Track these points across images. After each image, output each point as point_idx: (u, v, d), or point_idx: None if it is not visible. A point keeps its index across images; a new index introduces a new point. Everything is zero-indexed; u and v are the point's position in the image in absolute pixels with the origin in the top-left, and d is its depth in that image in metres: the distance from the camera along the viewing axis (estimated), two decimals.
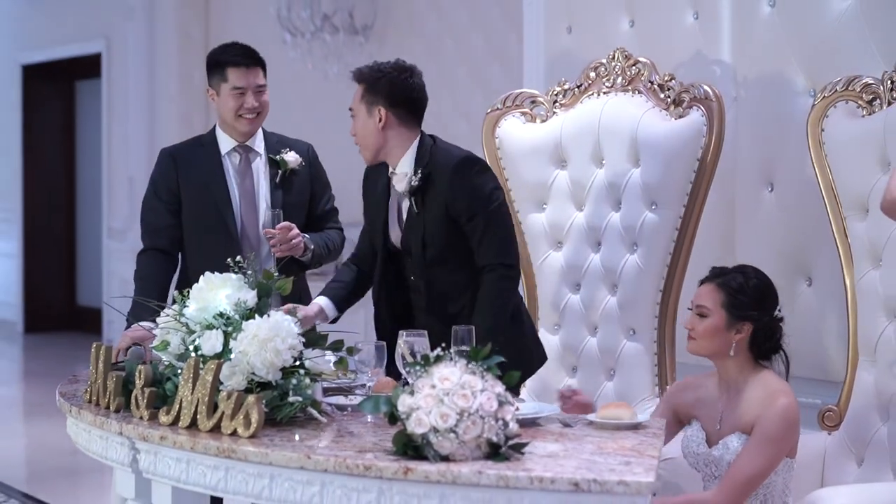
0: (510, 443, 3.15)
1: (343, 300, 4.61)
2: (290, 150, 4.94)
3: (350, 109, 4.44)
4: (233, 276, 3.74)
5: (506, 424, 3.14)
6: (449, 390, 3.12)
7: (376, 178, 4.56)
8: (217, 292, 3.68)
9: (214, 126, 4.96)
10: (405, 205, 4.44)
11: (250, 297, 3.67)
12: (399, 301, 4.53)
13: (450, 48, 9.02)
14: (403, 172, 4.39)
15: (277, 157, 4.90)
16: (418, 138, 4.42)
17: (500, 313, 4.27)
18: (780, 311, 3.99)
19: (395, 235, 4.49)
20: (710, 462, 3.96)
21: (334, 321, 4.58)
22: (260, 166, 4.90)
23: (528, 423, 3.57)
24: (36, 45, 14.14)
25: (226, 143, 4.89)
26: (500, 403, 3.15)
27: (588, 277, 4.92)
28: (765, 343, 3.97)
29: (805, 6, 4.88)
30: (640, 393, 4.73)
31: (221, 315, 3.63)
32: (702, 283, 4.03)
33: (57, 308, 14.67)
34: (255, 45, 4.95)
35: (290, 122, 11.05)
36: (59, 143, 14.71)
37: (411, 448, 3.13)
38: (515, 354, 3.67)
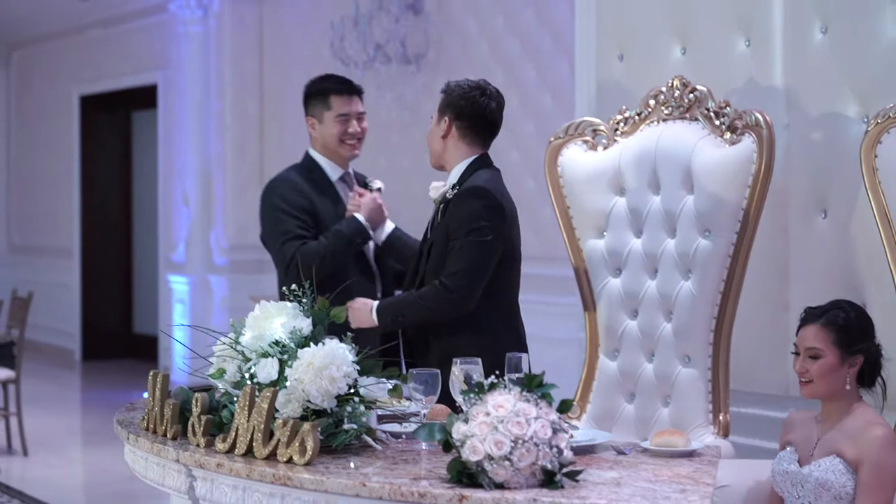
0: (565, 470, 3.14)
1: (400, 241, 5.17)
2: (373, 179, 5.28)
3: (432, 116, 4.73)
4: (288, 304, 3.75)
5: (560, 452, 3.13)
6: (503, 418, 3.11)
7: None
8: (272, 320, 3.69)
9: (308, 155, 5.18)
10: (435, 214, 4.68)
11: (305, 325, 3.68)
12: None
13: (501, 77, 9.02)
14: (441, 183, 4.65)
15: (369, 184, 5.21)
16: (474, 158, 4.63)
17: (412, 310, 4.53)
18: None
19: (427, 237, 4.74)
20: (798, 481, 3.96)
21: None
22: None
23: (582, 451, 3.56)
24: (93, 77, 14.29)
25: (331, 170, 5.17)
26: (555, 431, 3.14)
27: (645, 304, 4.89)
28: (871, 371, 4.05)
29: (858, 32, 4.85)
30: (695, 420, 4.70)
31: (277, 343, 3.64)
32: (802, 324, 4.06)
33: (114, 336, 14.77)
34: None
35: None
36: (116, 173, 14.85)
37: (466, 476, 3.12)
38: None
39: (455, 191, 4.55)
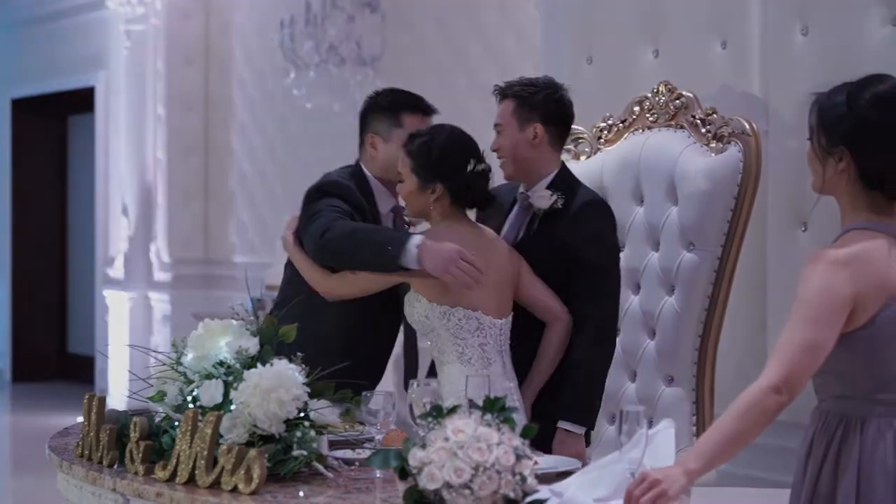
0: (528, 499, 3.14)
1: None
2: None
3: (497, 125, 4.62)
4: (233, 322, 3.73)
5: (524, 479, 3.13)
6: (463, 443, 3.10)
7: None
8: (217, 339, 3.67)
9: (360, 169, 4.78)
10: (530, 222, 4.55)
11: (252, 344, 3.67)
12: None
13: (463, 81, 9.04)
14: (540, 194, 4.52)
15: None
16: (561, 165, 4.62)
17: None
18: (475, 164, 4.37)
19: None
20: None
21: None
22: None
23: (547, 479, 3.56)
24: (27, 78, 14.22)
25: (384, 202, 4.75)
26: (518, 457, 3.13)
27: (628, 321, 4.89)
28: (463, 198, 4.36)
29: (840, 33, 4.87)
30: (679, 442, 4.68)
31: (221, 364, 3.62)
32: None
33: (46, 356, 14.68)
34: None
35: (297, 159, 11.07)
36: (50, 182, 14.77)
37: None
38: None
39: (563, 199, 4.49)
